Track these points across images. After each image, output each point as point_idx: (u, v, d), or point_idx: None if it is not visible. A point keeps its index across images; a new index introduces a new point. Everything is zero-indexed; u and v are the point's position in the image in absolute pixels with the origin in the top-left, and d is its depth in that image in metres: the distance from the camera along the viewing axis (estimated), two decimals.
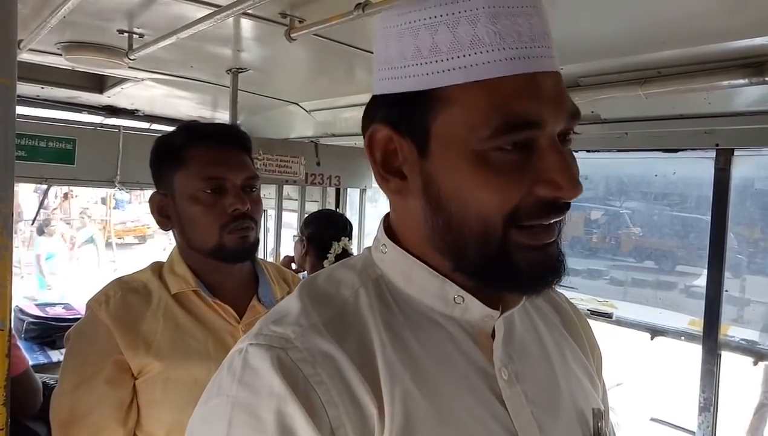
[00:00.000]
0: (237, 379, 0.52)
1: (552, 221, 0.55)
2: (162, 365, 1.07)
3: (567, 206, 0.55)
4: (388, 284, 0.61)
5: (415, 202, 0.58)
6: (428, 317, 0.60)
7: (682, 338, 2.12)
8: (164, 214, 1.19)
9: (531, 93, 0.52)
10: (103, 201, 14.09)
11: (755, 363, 1.94)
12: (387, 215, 0.65)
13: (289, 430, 0.49)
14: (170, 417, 1.07)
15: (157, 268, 1.21)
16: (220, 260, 1.17)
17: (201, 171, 1.13)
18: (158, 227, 1.20)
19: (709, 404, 1.92)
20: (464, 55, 0.52)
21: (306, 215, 2.76)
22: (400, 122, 0.57)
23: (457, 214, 0.55)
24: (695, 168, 2.24)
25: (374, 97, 0.61)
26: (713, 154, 1.88)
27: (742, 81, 1.49)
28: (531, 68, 0.52)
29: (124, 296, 1.12)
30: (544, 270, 0.56)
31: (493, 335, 0.61)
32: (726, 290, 1.92)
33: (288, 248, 3.49)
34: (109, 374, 1.06)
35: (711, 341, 1.92)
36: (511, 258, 0.54)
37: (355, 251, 3.30)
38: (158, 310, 1.13)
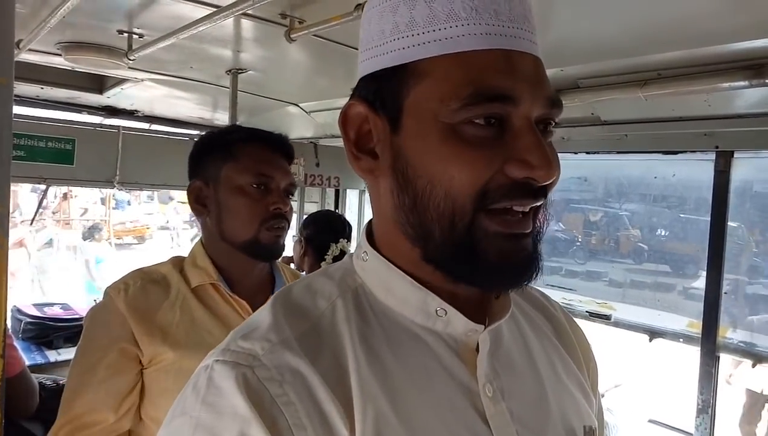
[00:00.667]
0: (201, 399, 0.50)
1: (526, 209, 0.52)
2: (175, 354, 1.10)
3: (542, 192, 0.52)
4: (367, 295, 0.58)
5: (384, 181, 0.56)
6: (409, 330, 0.56)
7: (681, 339, 2.12)
8: (201, 202, 1.24)
9: (505, 68, 0.50)
10: (103, 201, 14.07)
11: (753, 366, 1.94)
12: (370, 221, 0.63)
13: None
14: None
15: (177, 262, 1.25)
16: (249, 255, 1.21)
17: (251, 167, 1.20)
18: (192, 213, 1.26)
19: (707, 406, 1.92)
20: (440, 29, 0.51)
21: (305, 216, 2.76)
22: (376, 99, 0.55)
23: (423, 190, 0.52)
24: (695, 170, 2.24)
25: (358, 82, 0.59)
26: (713, 156, 1.88)
27: (742, 83, 1.49)
28: (507, 45, 0.51)
29: (144, 286, 1.17)
30: (514, 263, 0.52)
31: (477, 349, 0.58)
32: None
33: (287, 249, 3.49)
34: (112, 360, 1.10)
35: (709, 342, 1.92)
36: (478, 244, 0.51)
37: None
38: (176, 302, 1.17)
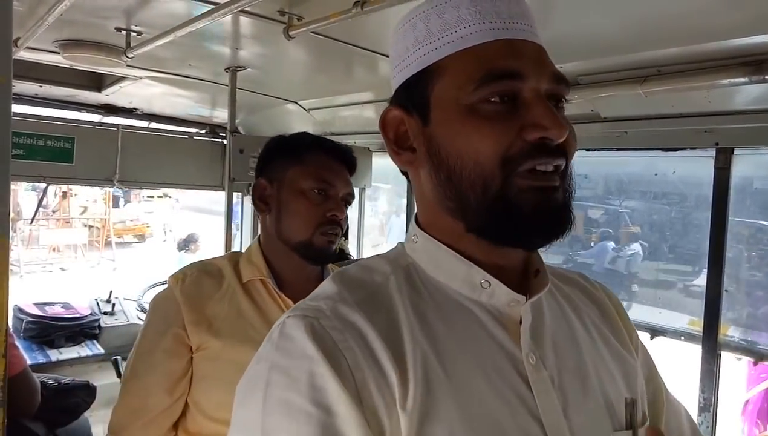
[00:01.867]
0: (274, 346, 0.58)
1: (550, 168, 0.58)
2: (219, 344, 1.16)
3: (560, 151, 0.58)
4: (418, 271, 0.66)
5: (423, 169, 0.64)
6: (456, 301, 0.63)
7: (682, 338, 2.11)
8: (264, 200, 1.30)
9: (509, 52, 0.59)
10: (115, 200, 14.10)
11: (755, 363, 1.94)
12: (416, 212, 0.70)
13: (320, 388, 0.53)
14: (217, 395, 1.16)
15: (234, 257, 1.33)
16: (301, 256, 1.26)
17: (316, 172, 1.26)
18: (255, 209, 1.33)
19: (708, 404, 1.91)
20: (452, 33, 0.60)
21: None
22: (408, 103, 0.64)
23: (455, 165, 0.59)
24: (695, 167, 2.23)
25: (394, 93, 0.68)
26: (713, 153, 1.88)
27: (742, 79, 1.48)
28: (509, 35, 0.59)
29: (199, 277, 1.25)
30: (548, 214, 0.58)
31: (520, 322, 0.63)
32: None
33: None
34: (168, 345, 1.18)
35: (711, 341, 1.92)
36: (511, 202, 0.57)
37: (353, 250, 3.29)
38: (225, 295, 1.23)
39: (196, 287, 1.23)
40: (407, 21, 0.65)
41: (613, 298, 0.79)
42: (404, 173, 0.71)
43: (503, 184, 0.57)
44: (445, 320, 0.61)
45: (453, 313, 0.62)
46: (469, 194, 0.59)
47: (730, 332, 1.98)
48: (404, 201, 3.29)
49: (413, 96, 0.64)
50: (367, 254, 3.35)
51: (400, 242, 0.71)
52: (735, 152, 1.85)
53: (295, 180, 1.26)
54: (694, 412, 1.95)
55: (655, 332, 2.16)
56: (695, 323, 2.09)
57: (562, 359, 0.64)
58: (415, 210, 0.71)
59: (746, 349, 1.96)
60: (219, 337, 1.18)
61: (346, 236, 2.37)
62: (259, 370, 0.58)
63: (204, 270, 1.27)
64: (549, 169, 0.58)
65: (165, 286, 1.28)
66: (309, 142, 1.32)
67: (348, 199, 1.32)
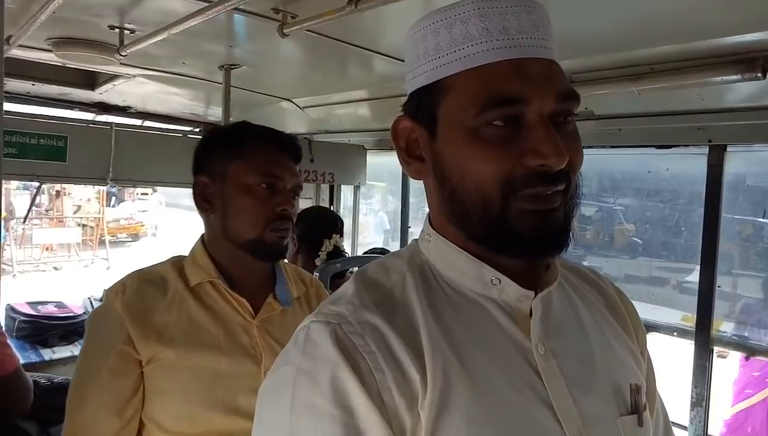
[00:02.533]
0: (300, 350, 0.61)
1: (552, 191, 0.60)
2: (173, 353, 1.10)
3: (561, 177, 0.60)
4: (432, 269, 0.68)
5: (430, 179, 0.67)
6: (469, 297, 0.66)
7: (675, 333, 2.13)
8: (206, 198, 1.22)
9: (514, 74, 0.59)
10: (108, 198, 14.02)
11: (747, 359, 1.95)
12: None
13: (342, 392, 0.57)
14: (176, 407, 1.10)
15: (177, 261, 1.25)
16: (252, 254, 1.21)
17: (260, 166, 1.19)
18: (198, 210, 1.24)
19: (701, 399, 1.93)
20: (459, 49, 0.61)
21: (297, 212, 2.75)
22: (417, 113, 0.66)
23: (457, 185, 0.62)
24: (688, 164, 2.24)
25: (407, 98, 0.69)
26: (706, 150, 1.89)
27: (734, 77, 1.49)
28: (516, 54, 0.60)
29: (141, 287, 1.17)
30: (546, 235, 0.60)
31: (531, 315, 0.66)
32: None
33: None
34: (113, 363, 1.10)
35: (703, 336, 1.93)
36: (511, 224, 0.60)
37: (348, 247, 3.29)
38: (173, 302, 1.16)
39: (138, 297, 1.15)
40: (418, 30, 0.66)
41: (621, 293, 0.82)
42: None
43: (503, 206, 0.60)
44: (460, 315, 0.64)
45: (466, 309, 0.65)
46: (471, 214, 0.62)
47: (722, 326, 2.00)
48: (390, 197, 3.29)
49: (422, 108, 0.65)
50: (362, 251, 3.35)
51: (414, 240, 0.74)
52: (728, 149, 1.86)
53: (239, 175, 1.19)
54: (686, 407, 1.97)
55: (648, 328, 2.17)
56: (688, 319, 2.11)
57: (570, 348, 0.67)
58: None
59: (738, 344, 1.97)
60: (172, 346, 1.11)
61: (341, 233, 2.36)
62: (286, 372, 0.61)
63: (145, 279, 1.19)
64: (550, 191, 0.60)
65: (102, 301, 1.19)
66: (250, 133, 1.24)
67: (297, 191, 1.25)
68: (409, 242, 0.76)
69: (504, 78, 0.59)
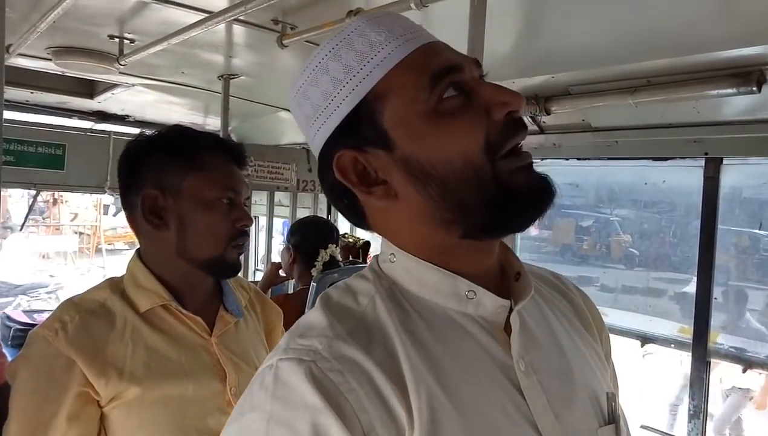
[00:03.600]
0: (270, 394, 0.54)
1: (521, 142, 0.60)
2: (139, 389, 1.01)
3: (523, 122, 0.60)
4: (401, 291, 0.64)
5: (404, 193, 0.61)
6: (445, 317, 0.62)
7: (672, 345, 2.12)
8: (157, 214, 1.09)
9: (435, 52, 0.60)
10: (106, 208, 14.00)
11: (744, 371, 1.95)
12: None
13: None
14: None
15: (114, 284, 1.12)
16: (210, 272, 1.14)
17: (222, 180, 1.11)
18: (148, 226, 1.09)
19: (698, 412, 1.93)
20: (372, 57, 0.59)
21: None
22: (357, 141, 0.61)
23: (444, 170, 0.58)
24: (685, 177, 2.25)
25: (320, 157, 0.64)
26: (702, 162, 1.90)
27: (730, 90, 1.50)
28: (426, 41, 0.61)
29: (84, 320, 1.03)
30: (541, 187, 0.59)
31: (507, 329, 0.63)
32: None
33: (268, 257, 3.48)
34: (72, 410, 0.97)
35: (700, 348, 1.93)
36: (509, 186, 0.58)
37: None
38: (124, 332, 1.05)
39: (84, 332, 1.01)
40: (315, 67, 0.62)
41: (586, 298, 0.79)
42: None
43: (494, 172, 0.58)
44: (438, 337, 0.60)
45: (444, 329, 0.61)
46: (468, 193, 0.58)
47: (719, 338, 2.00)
48: None
49: (360, 133, 0.60)
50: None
51: (374, 260, 0.68)
52: (724, 162, 1.87)
53: (198, 190, 1.09)
54: (683, 419, 1.96)
55: (645, 339, 2.17)
56: (685, 331, 2.11)
57: (547, 361, 0.64)
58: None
59: (735, 356, 1.97)
60: (135, 381, 1.00)
61: (336, 242, 2.35)
62: (254, 421, 0.54)
63: (85, 310, 1.05)
64: (521, 146, 0.60)
65: (33, 342, 1.02)
66: (202, 142, 1.14)
67: (247, 205, 1.20)
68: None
69: (431, 57, 0.59)
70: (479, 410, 0.57)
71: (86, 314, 1.04)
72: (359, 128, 0.60)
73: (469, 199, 0.58)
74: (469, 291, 0.62)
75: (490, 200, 0.58)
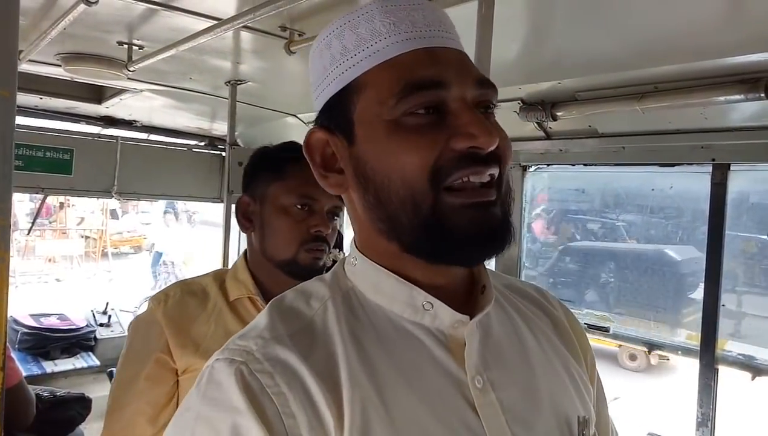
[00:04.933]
0: (201, 394, 0.55)
1: (484, 180, 0.56)
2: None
3: (492, 159, 0.55)
4: (358, 296, 0.62)
5: (352, 190, 0.61)
6: (399, 326, 0.60)
7: (679, 352, 2.11)
8: (247, 217, 1.26)
9: (429, 60, 0.57)
10: (113, 213, 14.02)
11: (752, 378, 1.94)
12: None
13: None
14: None
15: (219, 275, 1.28)
16: (287, 274, 1.21)
17: (297, 187, 1.19)
18: (239, 228, 1.27)
19: (706, 419, 1.91)
20: (368, 47, 0.58)
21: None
22: (331, 123, 0.61)
23: (383, 184, 0.57)
24: (692, 183, 2.25)
25: (317, 116, 0.65)
26: (709, 168, 1.89)
27: (738, 97, 1.50)
28: (427, 44, 0.57)
29: (183, 297, 1.20)
30: (486, 231, 0.55)
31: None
32: None
33: None
34: (151, 371, 1.14)
35: (708, 355, 1.92)
36: (446, 220, 0.55)
37: None
38: (212, 315, 1.19)
39: (179, 308, 1.18)
40: (322, 40, 0.62)
41: (569, 313, 0.75)
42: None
43: (435, 201, 0.54)
44: (386, 349, 0.58)
45: (395, 340, 0.59)
46: (400, 214, 0.56)
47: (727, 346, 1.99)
48: None
49: (335, 116, 0.60)
50: None
51: (340, 261, 0.68)
52: (731, 168, 1.86)
53: (277, 196, 1.21)
54: (692, 427, 1.95)
55: (652, 346, 2.16)
56: (693, 338, 2.09)
57: (512, 378, 0.61)
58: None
59: (743, 364, 1.96)
60: (206, 358, 1.10)
61: (340, 247, 2.35)
62: (186, 419, 0.55)
63: (187, 290, 1.23)
64: (484, 179, 0.55)
65: (146, 308, 1.22)
66: (290, 154, 1.24)
67: (335, 212, 1.25)
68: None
69: (419, 64, 0.56)
70: (419, 423, 0.55)
71: (186, 293, 1.21)
72: (337, 111, 0.60)
73: (403, 217, 0.56)
74: (426, 302, 0.59)
75: (423, 226, 0.55)
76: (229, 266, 1.34)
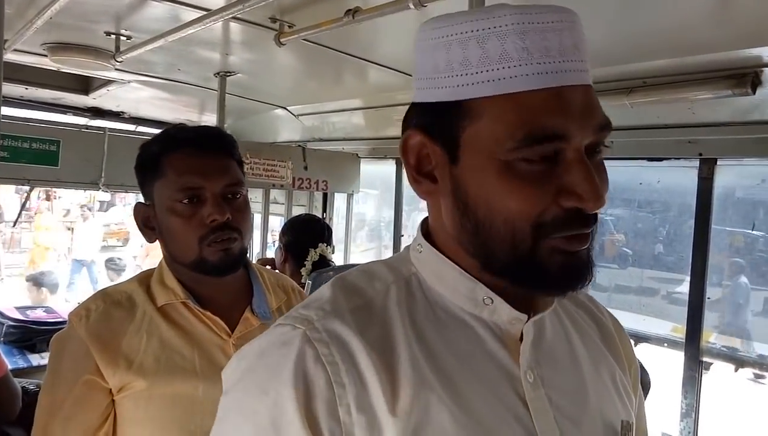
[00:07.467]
0: (261, 351, 0.59)
1: (585, 233, 0.57)
2: (146, 382, 1.02)
3: (593, 218, 0.57)
4: (420, 282, 0.64)
5: (445, 203, 0.61)
6: (457, 316, 0.62)
7: (665, 344, 2.14)
8: (149, 225, 1.12)
9: (556, 107, 0.54)
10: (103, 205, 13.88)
11: (736, 370, 1.96)
12: (426, 219, 0.68)
13: (282, 408, 0.54)
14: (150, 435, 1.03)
15: (144, 278, 1.15)
16: (203, 274, 1.10)
17: (177, 181, 1.06)
18: (144, 239, 1.15)
19: (690, 410, 1.94)
20: (493, 69, 0.54)
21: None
22: (433, 129, 0.60)
23: (484, 218, 0.57)
24: (679, 177, 2.27)
25: (412, 105, 0.63)
26: (697, 163, 1.91)
27: (725, 92, 1.52)
28: (557, 82, 0.54)
29: (106, 310, 1.07)
30: (573, 274, 0.58)
31: (521, 339, 0.62)
32: None
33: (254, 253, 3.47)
34: (79, 395, 1.02)
35: (693, 347, 1.95)
36: (541, 262, 0.56)
37: (338, 256, 3.30)
38: (142, 325, 1.07)
39: (104, 322, 1.05)
40: (440, 36, 0.57)
41: (617, 322, 0.78)
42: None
43: (534, 245, 0.56)
44: (444, 336, 0.60)
45: (452, 329, 0.61)
46: (496, 249, 0.57)
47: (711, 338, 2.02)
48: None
49: (440, 126, 0.59)
50: (354, 259, 3.35)
51: (406, 247, 0.69)
52: (718, 163, 1.88)
53: (162, 196, 1.08)
54: (676, 418, 1.98)
55: (638, 339, 2.18)
56: (678, 330, 2.12)
57: (561, 378, 0.63)
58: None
59: (727, 356, 1.99)
60: (143, 374, 1.01)
61: (329, 242, 2.33)
62: (241, 377, 0.59)
63: (111, 300, 1.09)
64: (583, 233, 0.57)
65: (67, 325, 1.08)
66: (161, 145, 1.11)
67: (233, 191, 1.09)
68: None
69: (545, 111, 0.53)
70: (475, 411, 0.56)
71: (110, 305, 1.08)
72: (444, 123, 0.58)
73: (499, 253, 0.57)
74: (486, 297, 0.61)
75: (517, 263, 0.57)
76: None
